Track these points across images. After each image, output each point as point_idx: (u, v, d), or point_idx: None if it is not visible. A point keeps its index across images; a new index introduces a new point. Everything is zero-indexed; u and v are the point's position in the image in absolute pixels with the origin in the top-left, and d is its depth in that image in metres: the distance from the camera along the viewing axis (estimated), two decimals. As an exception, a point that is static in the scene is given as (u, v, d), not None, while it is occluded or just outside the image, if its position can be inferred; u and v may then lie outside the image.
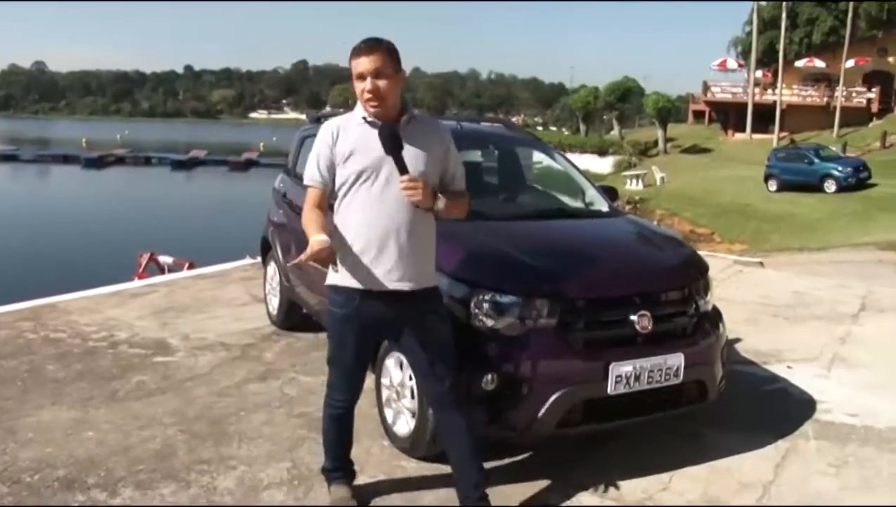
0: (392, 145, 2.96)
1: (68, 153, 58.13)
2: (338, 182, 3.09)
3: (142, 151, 62.04)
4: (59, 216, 29.94)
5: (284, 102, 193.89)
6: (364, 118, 3.06)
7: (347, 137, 3.06)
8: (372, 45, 2.96)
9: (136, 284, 8.49)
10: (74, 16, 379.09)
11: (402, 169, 2.96)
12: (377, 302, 3.09)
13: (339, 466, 3.47)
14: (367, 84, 2.94)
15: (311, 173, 3.15)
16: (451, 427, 3.26)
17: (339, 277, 3.11)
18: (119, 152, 59.55)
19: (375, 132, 3.00)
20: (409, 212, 3.02)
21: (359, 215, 3.06)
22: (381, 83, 2.95)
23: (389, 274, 3.06)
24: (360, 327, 3.18)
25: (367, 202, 3.04)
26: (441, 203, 3.03)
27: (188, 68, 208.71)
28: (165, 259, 14.82)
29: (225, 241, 17.82)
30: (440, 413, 3.29)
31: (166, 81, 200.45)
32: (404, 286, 3.07)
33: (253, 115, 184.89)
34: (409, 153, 3.00)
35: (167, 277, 9.43)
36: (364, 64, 2.94)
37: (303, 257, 2.94)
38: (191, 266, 12.22)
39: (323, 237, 2.95)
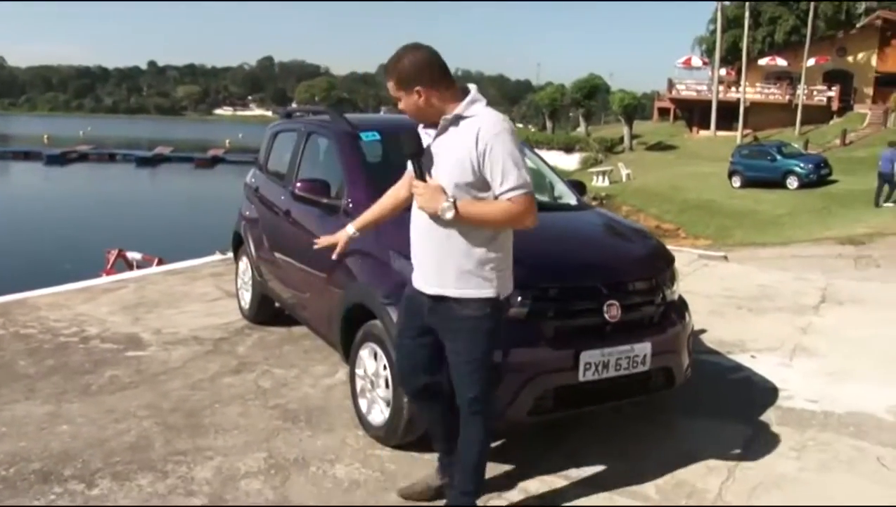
0: (407, 150, 3.03)
1: (30, 150, 57.12)
2: None
3: (105, 148, 61.13)
4: (22, 213, 29.49)
5: (250, 98, 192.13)
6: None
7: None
8: (385, 73, 3.04)
9: (106, 279, 8.44)
10: (32, 9, 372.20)
11: (418, 174, 2.99)
12: (412, 294, 3.17)
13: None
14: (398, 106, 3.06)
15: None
16: (463, 436, 3.17)
17: None
18: (82, 149, 58.66)
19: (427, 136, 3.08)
20: (428, 217, 3.00)
21: (412, 213, 3.15)
22: (402, 105, 3.02)
23: (419, 273, 3.13)
24: (404, 312, 3.29)
25: (414, 204, 3.12)
26: (448, 211, 2.87)
27: (152, 64, 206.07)
28: (134, 255, 14.70)
29: (193, 237, 17.77)
30: (462, 418, 3.16)
31: (129, 77, 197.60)
32: (427, 289, 3.08)
33: (218, 111, 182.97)
34: (434, 157, 3.00)
35: (137, 273, 9.37)
36: (388, 88, 3.04)
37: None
38: (160, 262, 12.14)
39: (346, 230, 3.46)
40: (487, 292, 2.98)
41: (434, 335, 3.13)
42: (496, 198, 2.89)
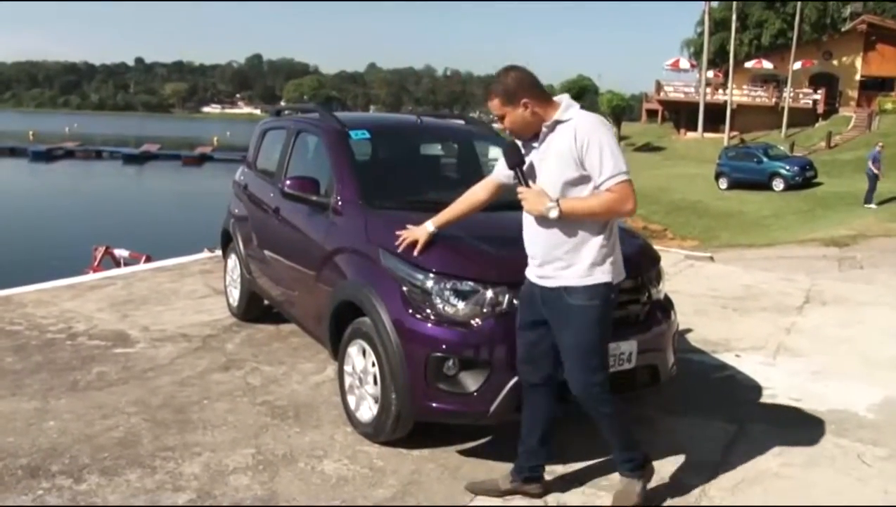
0: (509, 162, 3.31)
1: (15, 146, 56.56)
2: None
3: (92, 145, 60.70)
4: (7, 209, 29.23)
5: (238, 96, 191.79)
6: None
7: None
8: (487, 94, 3.29)
9: (93, 276, 8.41)
10: (18, 6, 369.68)
11: (522, 182, 3.25)
12: (532, 288, 3.36)
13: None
14: (498, 124, 3.33)
15: (496, 165, 3.62)
16: (598, 423, 3.37)
17: None
18: (69, 146, 58.23)
19: (530, 148, 3.31)
20: (535, 217, 3.25)
21: (523, 216, 3.36)
22: (505, 122, 3.27)
23: (533, 267, 3.35)
24: (524, 306, 3.44)
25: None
26: (552, 211, 3.11)
27: (139, 61, 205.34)
28: (121, 252, 14.63)
29: (181, 235, 17.70)
30: (587, 409, 3.34)
31: (116, 74, 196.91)
32: (541, 282, 3.29)
33: (206, 109, 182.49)
34: (538, 164, 3.25)
35: (125, 270, 9.35)
36: (491, 109, 3.29)
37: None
38: (147, 259, 12.10)
39: (426, 227, 3.74)
40: (600, 278, 3.19)
41: (549, 329, 3.30)
42: (597, 189, 3.10)
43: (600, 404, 3.29)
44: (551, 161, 3.19)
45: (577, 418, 4.25)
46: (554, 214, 3.11)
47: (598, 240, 3.19)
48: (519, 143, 3.35)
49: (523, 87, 3.20)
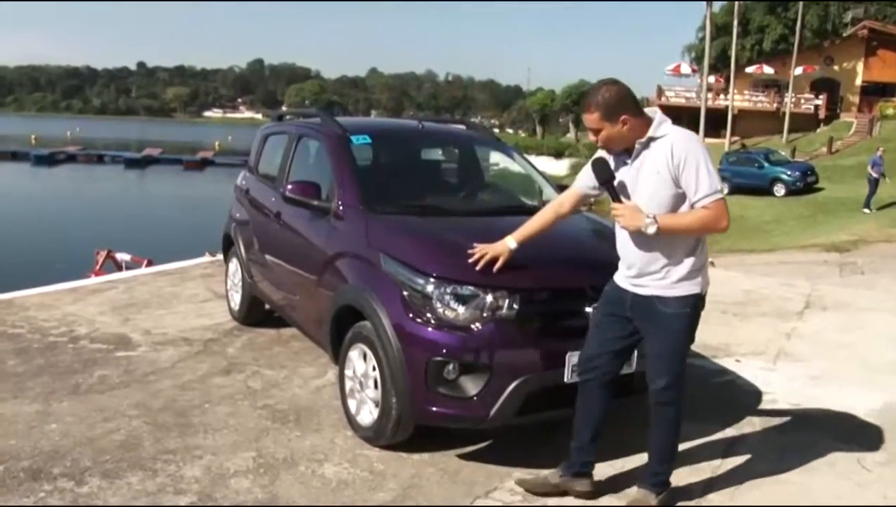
0: (601, 178, 3.36)
1: (17, 150, 56.65)
2: None
3: (94, 149, 60.80)
4: (10, 213, 29.25)
5: (240, 100, 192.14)
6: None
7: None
8: (584, 106, 3.27)
9: (95, 280, 8.44)
10: (20, 8, 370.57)
11: (613, 197, 3.30)
12: (620, 292, 3.42)
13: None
14: (592, 137, 3.31)
15: (576, 178, 3.64)
16: (655, 425, 3.46)
17: None
18: (71, 150, 58.28)
19: (620, 163, 3.35)
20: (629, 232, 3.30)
21: (616, 228, 3.42)
22: (601, 136, 3.26)
23: (625, 273, 3.40)
24: (606, 303, 3.50)
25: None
26: (650, 228, 3.14)
27: (141, 65, 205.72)
28: (123, 256, 14.65)
29: (182, 239, 17.71)
30: (652, 409, 3.44)
31: (118, 78, 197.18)
32: (635, 289, 3.35)
33: (207, 113, 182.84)
34: (632, 180, 3.28)
35: (126, 273, 9.38)
36: (585, 122, 3.29)
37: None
38: (149, 263, 12.11)
39: (507, 243, 3.69)
40: (692, 289, 3.28)
41: (630, 328, 3.39)
42: (692, 206, 3.16)
43: (670, 408, 3.39)
44: (647, 178, 3.22)
45: (570, 423, 4.30)
46: (652, 230, 3.15)
47: (693, 254, 3.27)
48: (608, 157, 3.38)
49: (624, 103, 3.21)
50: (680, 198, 3.19)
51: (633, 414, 4.47)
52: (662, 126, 3.24)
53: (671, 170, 3.15)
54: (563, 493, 3.58)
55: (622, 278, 3.43)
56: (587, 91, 3.32)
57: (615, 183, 3.31)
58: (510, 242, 3.69)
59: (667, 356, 3.31)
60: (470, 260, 3.67)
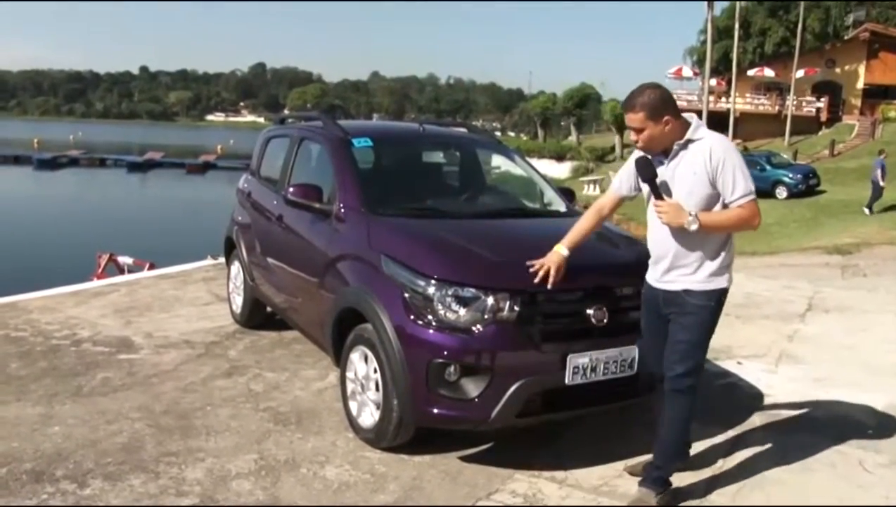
0: (644, 176, 3.45)
1: (20, 154, 56.73)
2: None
3: (96, 153, 60.86)
4: (13, 217, 29.30)
5: (242, 104, 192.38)
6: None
7: None
8: (627, 106, 3.42)
9: (97, 283, 8.46)
10: (22, 12, 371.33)
11: (656, 195, 3.42)
12: (654, 292, 3.57)
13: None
14: (633, 136, 3.44)
15: (613, 180, 3.80)
16: (666, 414, 3.57)
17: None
18: (73, 154, 58.38)
19: (656, 162, 3.47)
20: (669, 228, 3.42)
21: (649, 224, 3.58)
22: (643, 135, 3.39)
23: (659, 274, 3.53)
24: (645, 308, 3.66)
25: (650, 217, 3.55)
26: (692, 224, 3.29)
27: (143, 69, 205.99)
28: (125, 260, 14.66)
29: (185, 242, 17.71)
30: (666, 396, 3.55)
31: (121, 82, 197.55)
32: (666, 286, 3.50)
33: (210, 117, 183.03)
34: (668, 179, 3.42)
35: (128, 277, 9.40)
36: (628, 121, 3.43)
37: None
38: (151, 267, 12.14)
39: (559, 252, 3.74)
40: (720, 284, 3.46)
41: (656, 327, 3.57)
42: (725, 206, 3.35)
43: (684, 399, 3.50)
44: (683, 177, 3.38)
45: (577, 425, 4.31)
46: (694, 226, 3.30)
47: (723, 250, 3.46)
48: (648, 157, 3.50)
49: (666, 105, 3.36)
50: (714, 198, 3.36)
51: (636, 416, 4.49)
52: (699, 130, 3.41)
53: (709, 171, 3.32)
54: None
55: (653, 278, 3.57)
56: (630, 93, 3.42)
57: (657, 181, 3.42)
58: (562, 250, 3.76)
59: (687, 345, 3.44)
60: (531, 270, 3.71)
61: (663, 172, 3.44)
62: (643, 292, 3.68)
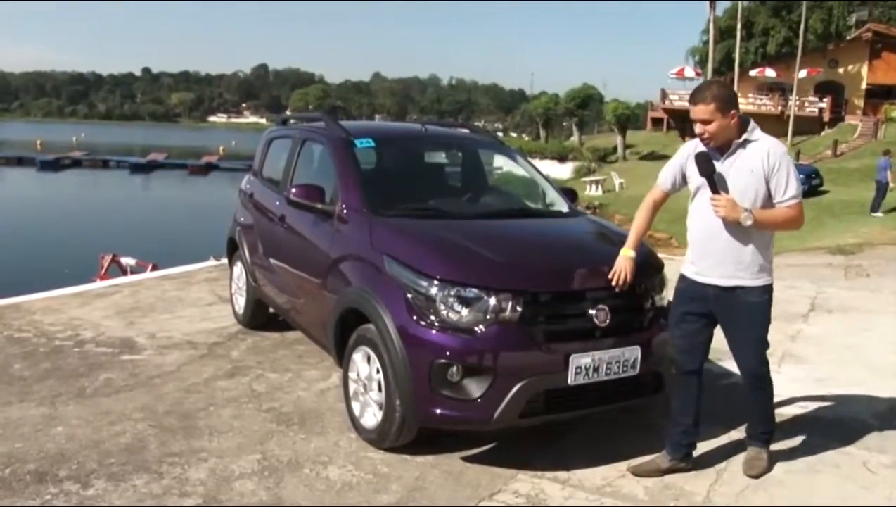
0: (704, 170, 3.57)
1: (23, 155, 56.89)
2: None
3: (99, 154, 61.02)
4: (16, 218, 29.38)
5: (244, 105, 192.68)
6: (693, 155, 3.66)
7: (692, 160, 3.69)
8: (698, 98, 3.56)
9: (100, 284, 8.47)
10: (25, 13, 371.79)
11: (713, 189, 3.55)
12: (696, 287, 3.74)
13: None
14: (698, 128, 3.57)
15: (659, 175, 3.92)
16: (751, 399, 3.91)
17: (683, 263, 3.86)
18: (76, 155, 58.54)
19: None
20: (722, 222, 3.58)
21: (695, 219, 3.74)
22: (709, 128, 3.54)
23: (705, 268, 3.69)
24: (685, 302, 3.79)
25: (698, 210, 3.71)
26: (748, 220, 3.47)
27: (146, 71, 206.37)
28: (128, 261, 14.68)
29: (187, 243, 17.75)
30: (746, 388, 3.88)
31: (123, 84, 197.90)
32: (717, 281, 3.66)
33: (212, 118, 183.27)
34: (725, 175, 3.57)
35: (131, 277, 9.41)
36: (694, 113, 3.57)
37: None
38: (154, 268, 12.16)
39: (626, 255, 3.93)
40: (768, 280, 3.68)
41: (711, 322, 3.75)
42: (774, 205, 3.56)
43: (766, 383, 3.82)
44: (739, 175, 3.56)
45: (580, 425, 4.31)
46: (749, 222, 3.48)
47: (769, 247, 3.69)
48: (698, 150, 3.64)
49: (734, 101, 3.56)
50: (765, 197, 3.55)
51: (639, 417, 4.49)
52: (756, 131, 3.61)
53: (765, 171, 3.52)
54: (671, 472, 3.85)
55: (704, 274, 3.70)
56: (699, 87, 3.61)
57: (716, 176, 3.54)
58: (629, 253, 3.94)
59: (757, 341, 3.70)
60: (609, 276, 3.87)
61: (718, 168, 3.58)
62: (678, 287, 3.83)
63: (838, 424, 4.61)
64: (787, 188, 3.53)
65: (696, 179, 3.69)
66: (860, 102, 48.15)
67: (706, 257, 3.67)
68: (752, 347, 3.72)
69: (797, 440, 4.33)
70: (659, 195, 3.94)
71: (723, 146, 3.59)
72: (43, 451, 3.90)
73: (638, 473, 3.83)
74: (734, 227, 3.54)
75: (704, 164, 3.56)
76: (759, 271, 3.63)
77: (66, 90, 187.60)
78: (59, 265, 16.66)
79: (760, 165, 3.53)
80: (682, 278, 3.82)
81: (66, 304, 6.94)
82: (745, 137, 3.58)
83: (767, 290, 3.68)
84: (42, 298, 7.17)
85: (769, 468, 3.90)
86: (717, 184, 3.54)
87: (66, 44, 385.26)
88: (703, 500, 3.64)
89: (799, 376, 5.51)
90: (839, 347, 6.33)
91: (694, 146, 3.71)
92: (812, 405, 4.90)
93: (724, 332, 3.77)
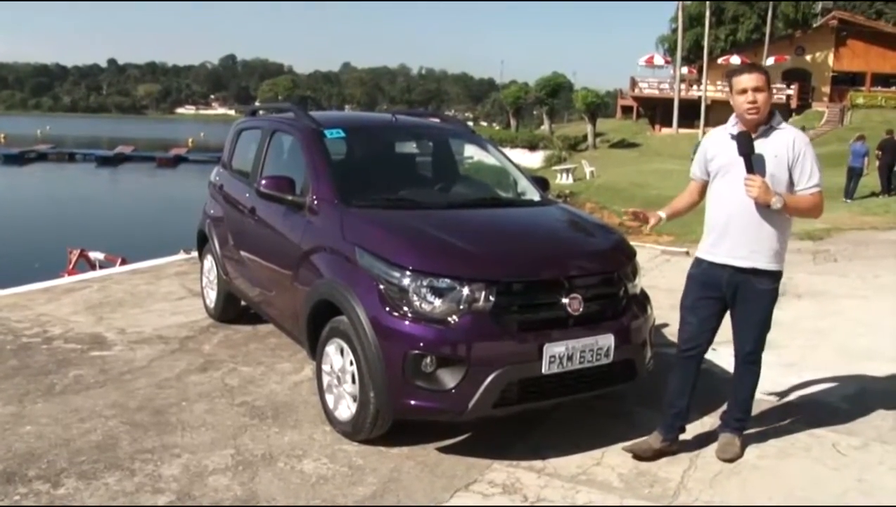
0: (744, 148, 3.63)
1: (-14, 149, 55.89)
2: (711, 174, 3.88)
3: (65, 147, 60.06)
4: (-21, 214, 28.86)
5: (212, 97, 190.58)
6: (731, 133, 3.75)
7: (716, 142, 3.86)
8: (752, 68, 3.75)
9: (68, 279, 8.33)
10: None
11: (749, 168, 3.62)
12: (709, 273, 3.84)
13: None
14: (749, 96, 3.65)
15: (690, 172, 4.06)
16: (738, 378, 4.01)
17: (699, 248, 3.94)
18: (41, 148, 57.55)
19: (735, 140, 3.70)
20: (749, 203, 3.66)
21: (716, 200, 3.84)
22: (760, 96, 3.64)
23: (726, 250, 3.77)
24: (699, 287, 3.88)
25: (720, 191, 3.80)
26: (778, 203, 3.57)
27: (112, 62, 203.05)
28: (96, 255, 14.48)
29: (156, 237, 17.56)
30: (737, 366, 4.00)
31: (89, 75, 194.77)
32: (734, 262, 3.75)
33: (180, 110, 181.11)
34: (758, 157, 3.65)
35: (100, 272, 9.26)
36: (746, 81, 3.66)
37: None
38: (123, 262, 11.99)
39: (659, 214, 4.06)
40: (781, 266, 3.82)
41: (723, 308, 3.87)
42: (796, 192, 3.68)
43: (757, 365, 3.95)
44: (767, 160, 3.66)
45: (554, 414, 4.32)
46: (778, 205, 3.59)
47: (788, 233, 3.81)
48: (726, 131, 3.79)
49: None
50: (787, 183, 3.67)
51: (613, 405, 4.51)
52: (779, 119, 3.75)
53: (790, 157, 3.65)
54: (664, 454, 3.93)
55: (712, 254, 3.81)
56: (748, 63, 3.80)
57: (753, 157, 3.62)
58: (661, 213, 4.08)
59: (759, 325, 3.83)
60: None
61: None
62: (691, 272, 3.93)
63: (809, 407, 4.68)
64: (812, 176, 3.66)
65: (720, 159, 3.78)
66: (826, 89, 48.80)
67: (725, 237, 3.75)
68: (756, 329, 3.84)
69: (769, 425, 4.38)
70: (694, 186, 4.07)
71: (752, 129, 3.69)
72: (11, 450, 3.83)
73: (632, 451, 3.93)
74: (760, 209, 3.64)
75: (746, 142, 3.63)
76: (775, 255, 3.73)
77: (30, 82, 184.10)
78: (25, 261, 16.41)
79: (785, 152, 3.65)
80: (697, 262, 3.92)
81: (33, 300, 6.82)
82: (772, 123, 3.71)
83: (778, 277, 3.80)
84: (8, 294, 7.05)
85: (741, 454, 3.96)
86: (753, 165, 3.62)
87: (29, 35, 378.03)
88: (677, 486, 3.67)
89: (769, 360, 5.48)
90: (808, 331, 6.41)
91: (718, 132, 3.88)
92: (782, 389, 4.96)
93: (731, 310, 3.87)
